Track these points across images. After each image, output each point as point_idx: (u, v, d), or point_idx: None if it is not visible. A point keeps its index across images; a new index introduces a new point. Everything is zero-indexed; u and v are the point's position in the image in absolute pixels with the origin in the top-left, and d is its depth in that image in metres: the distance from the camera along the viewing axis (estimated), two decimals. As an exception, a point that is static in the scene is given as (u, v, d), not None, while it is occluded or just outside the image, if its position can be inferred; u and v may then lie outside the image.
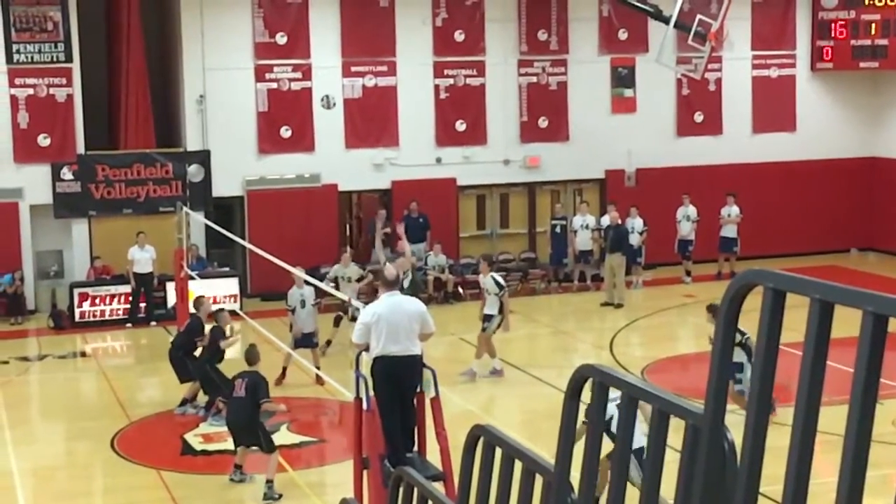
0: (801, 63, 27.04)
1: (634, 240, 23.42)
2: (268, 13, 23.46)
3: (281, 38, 23.54)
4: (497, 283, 16.97)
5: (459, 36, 24.65)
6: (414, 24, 24.28)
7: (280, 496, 11.89)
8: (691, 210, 24.49)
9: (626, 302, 22.24)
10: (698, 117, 26.46)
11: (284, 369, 16.63)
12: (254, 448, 12.17)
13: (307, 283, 16.29)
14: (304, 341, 16.69)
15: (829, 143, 26.99)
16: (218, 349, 15.08)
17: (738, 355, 13.28)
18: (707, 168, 26.02)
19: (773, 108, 26.77)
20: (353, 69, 24.04)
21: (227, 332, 15.17)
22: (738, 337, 13.21)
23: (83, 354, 19.99)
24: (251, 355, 12.62)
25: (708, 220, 24.47)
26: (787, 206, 26.44)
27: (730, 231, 24.61)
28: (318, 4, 23.66)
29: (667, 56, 23.49)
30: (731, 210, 24.68)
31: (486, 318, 16.94)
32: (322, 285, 15.37)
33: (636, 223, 23.70)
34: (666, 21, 22.64)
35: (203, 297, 16.75)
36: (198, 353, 15.54)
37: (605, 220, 23.58)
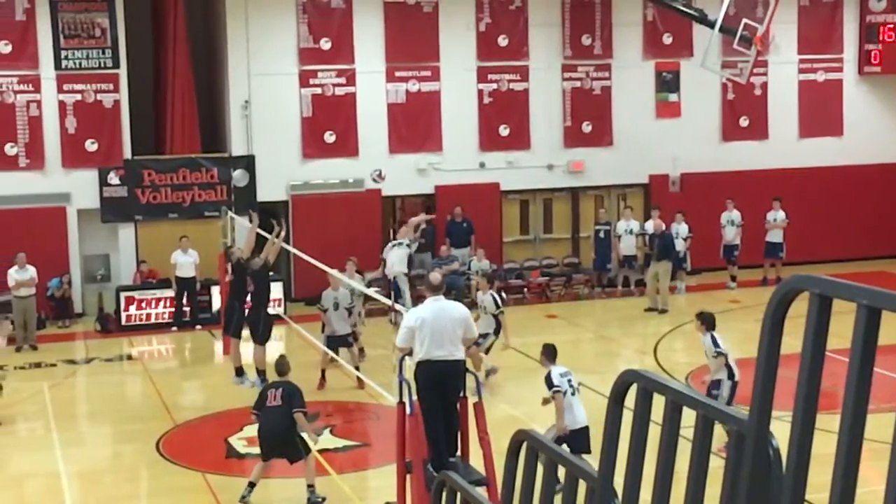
0: (848, 67, 26.79)
1: (679, 245, 23.30)
2: (312, 19, 23.58)
3: (325, 44, 23.65)
4: (496, 301, 16.71)
5: (503, 41, 24.65)
6: (458, 29, 24.32)
7: (324, 499, 11.89)
8: (735, 215, 24.31)
9: (670, 307, 22.12)
10: (744, 122, 26.29)
11: (323, 372, 16.71)
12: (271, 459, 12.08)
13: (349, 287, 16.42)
14: (339, 341, 16.76)
15: (877, 148, 26.71)
16: (266, 290, 15.79)
17: (721, 372, 13.12)
18: (753, 173, 25.84)
19: (820, 112, 26.53)
20: (397, 74, 24.10)
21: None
22: (725, 349, 13.08)
23: (129, 358, 20.17)
24: (282, 366, 12.61)
25: (753, 225, 24.28)
26: (833, 211, 26.20)
27: (775, 236, 24.41)
28: (361, 10, 23.75)
29: (712, 60, 23.36)
30: (777, 215, 24.48)
31: (480, 336, 16.43)
32: (363, 287, 15.40)
33: (681, 229, 23.58)
34: (711, 25, 22.52)
35: (231, 247, 17.50)
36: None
37: (649, 226, 23.48)
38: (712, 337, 13.18)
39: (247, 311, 16.12)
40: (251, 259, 16.01)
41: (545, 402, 12.10)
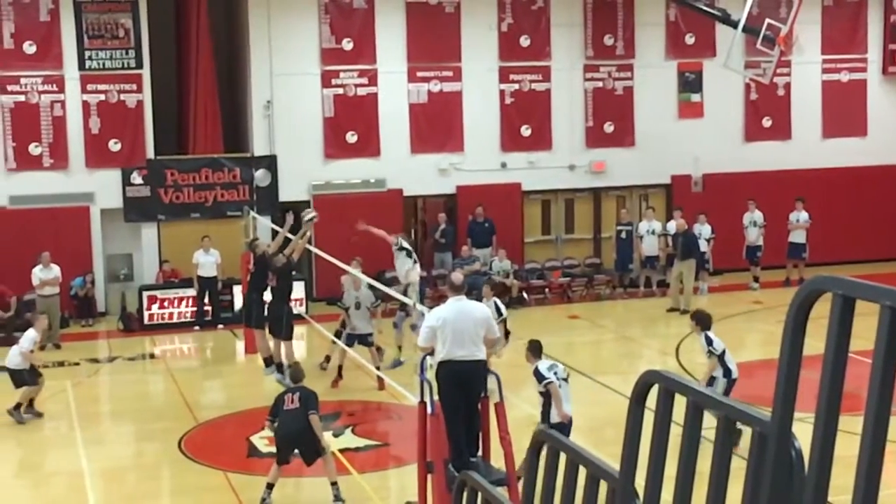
0: (872, 67, 26.66)
1: (703, 246, 23.23)
2: (334, 19, 23.62)
3: (347, 44, 23.69)
4: (498, 309, 16.61)
5: (525, 41, 24.63)
6: (479, 29, 24.32)
7: (343, 502, 11.89)
8: (758, 215, 24.22)
9: (693, 308, 22.03)
10: (767, 122, 26.19)
11: (340, 369, 16.73)
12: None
13: (371, 286, 16.40)
14: (360, 339, 16.78)
15: (901, 149, 26.57)
16: (289, 286, 15.87)
17: (716, 371, 13.11)
18: (776, 173, 25.74)
19: (844, 112, 26.40)
20: (419, 74, 24.12)
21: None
22: (718, 349, 13.03)
23: (152, 356, 20.26)
24: (297, 373, 12.67)
25: (776, 225, 24.19)
26: (857, 212, 26.07)
27: (798, 237, 24.30)
28: (383, 10, 23.78)
29: (735, 60, 23.27)
30: (800, 216, 24.37)
31: None
32: (386, 289, 15.39)
33: (704, 230, 23.51)
34: (734, 25, 22.43)
35: (255, 238, 17.72)
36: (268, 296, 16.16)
37: (671, 226, 23.43)
38: (706, 336, 13.17)
39: (267, 305, 16.14)
40: (275, 255, 16.06)
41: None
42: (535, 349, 12.14)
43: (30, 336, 15.67)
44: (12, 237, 21.79)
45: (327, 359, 17.48)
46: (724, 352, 13.19)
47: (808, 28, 25.13)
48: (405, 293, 16.44)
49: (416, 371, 10.56)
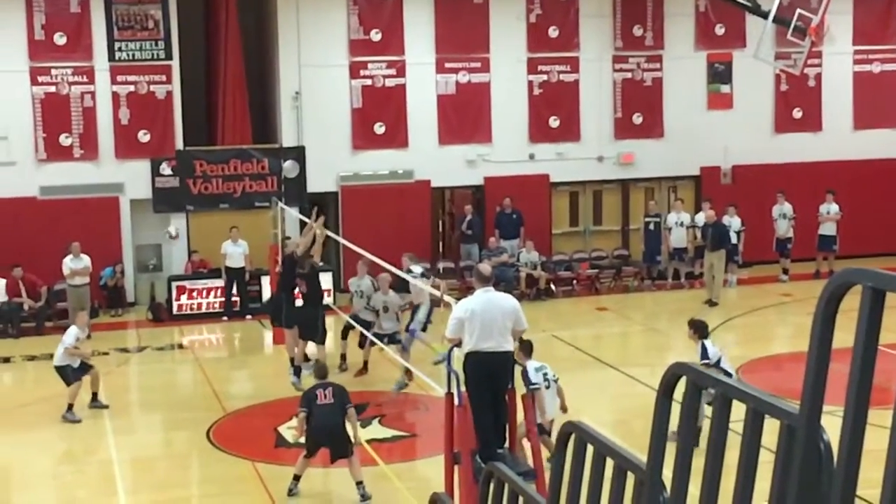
0: (904, 58, 26.44)
1: (732, 239, 23.10)
2: (362, 10, 23.63)
3: (375, 35, 23.70)
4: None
5: (553, 32, 24.56)
6: (508, 20, 24.26)
7: (370, 499, 11.90)
8: (787, 208, 24.08)
9: (722, 300, 21.97)
10: (797, 113, 26.02)
11: (366, 363, 16.76)
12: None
13: (391, 284, 16.35)
14: (391, 339, 16.71)
15: (933, 140, 26.34)
16: (318, 289, 15.95)
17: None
18: (806, 165, 25.59)
19: (875, 103, 26.19)
20: (447, 65, 24.10)
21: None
22: (713, 358, 12.85)
23: (180, 346, 20.38)
24: (322, 369, 12.66)
25: (807, 217, 24.06)
26: (888, 204, 25.87)
27: (829, 229, 24.16)
28: (412, 1, 23.77)
29: (765, 51, 23.12)
30: (831, 207, 24.22)
31: None
32: (415, 280, 15.38)
33: (734, 222, 23.40)
34: (764, 16, 22.29)
35: (288, 237, 17.82)
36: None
37: (700, 218, 23.33)
38: (703, 346, 12.99)
39: (300, 310, 16.07)
40: (303, 259, 16.01)
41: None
42: (526, 349, 12.03)
43: (71, 332, 15.65)
44: (43, 227, 21.94)
45: (343, 358, 17.37)
46: (719, 360, 13.00)
47: (840, 18, 24.93)
48: (414, 312, 16.30)
49: (443, 362, 10.57)
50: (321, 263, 16.44)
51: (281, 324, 16.86)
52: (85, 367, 15.60)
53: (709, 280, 22.32)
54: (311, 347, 16.59)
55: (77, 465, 14.04)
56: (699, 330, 13.13)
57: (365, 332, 16.42)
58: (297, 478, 11.96)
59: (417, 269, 16.91)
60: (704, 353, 12.93)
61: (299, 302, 16.41)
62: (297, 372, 15.84)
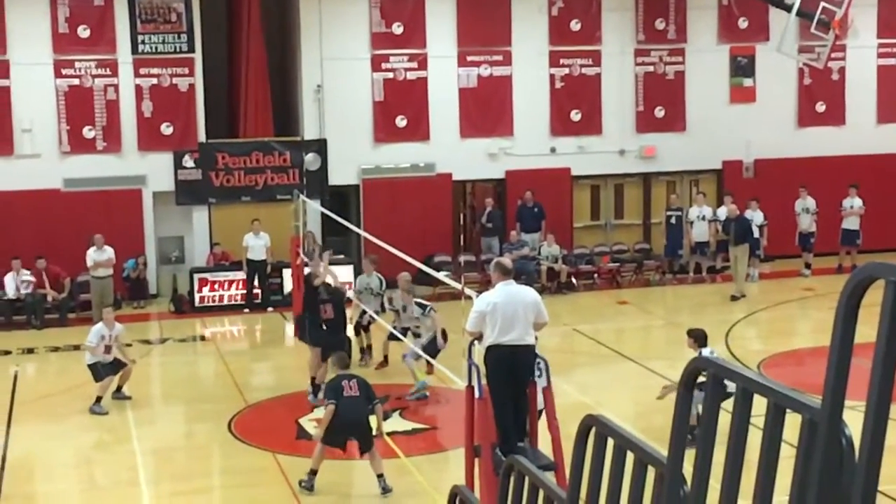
0: (929, 52, 26.26)
1: (754, 233, 23.01)
2: (384, 3, 23.63)
3: (397, 28, 23.70)
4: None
5: (575, 25, 24.51)
6: (530, 13, 24.23)
7: (391, 491, 11.91)
8: (810, 202, 23.98)
9: (747, 293, 21.91)
10: (820, 107, 25.89)
11: (386, 358, 16.77)
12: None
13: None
14: (415, 334, 16.68)
15: (958, 134, 26.15)
16: (342, 315, 15.68)
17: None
18: (829, 159, 25.46)
19: (899, 97, 26.04)
20: (469, 59, 24.09)
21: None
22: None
23: (202, 338, 20.46)
24: (343, 360, 12.63)
25: (830, 212, 23.94)
26: (912, 199, 25.71)
27: (852, 223, 24.04)
28: (434, -6, 23.77)
29: (788, 45, 23.02)
30: (854, 202, 24.10)
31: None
32: (440, 276, 15.29)
33: (756, 216, 23.30)
34: (788, 9, 22.19)
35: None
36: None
37: (722, 212, 23.26)
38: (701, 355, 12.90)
39: (326, 333, 15.79)
40: (324, 286, 15.84)
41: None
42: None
43: (94, 330, 15.67)
44: (66, 219, 22.06)
45: (363, 351, 17.31)
46: None
47: (864, 11, 24.78)
48: (418, 336, 15.92)
49: (464, 355, 10.57)
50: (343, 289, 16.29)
51: (304, 341, 16.58)
52: (118, 365, 15.62)
53: (735, 274, 22.24)
54: None
55: (99, 455, 14.13)
56: (698, 339, 13.11)
57: (374, 317, 16.44)
58: (314, 472, 11.91)
59: (419, 305, 16.14)
60: None
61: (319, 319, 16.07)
62: (317, 391, 15.69)
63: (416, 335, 16.33)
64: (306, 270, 16.82)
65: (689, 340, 13.17)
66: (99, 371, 15.38)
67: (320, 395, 14.37)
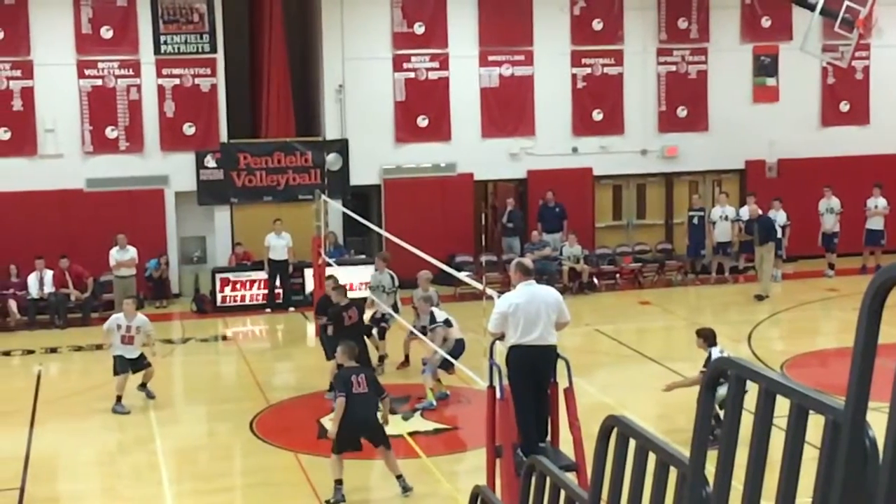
0: (954, 50, 26.08)
1: (777, 233, 22.92)
2: (406, 3, 23.65)
3: (419, 28, 23.72)
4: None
5: (598, 25, 24.46)
6: (552, 12, 24.20)
7: (411, 490, 11.88)
8: (834, 202, 23.85)
9: (772, 293, 21.82)
10: (844, 107, 25.76)
11: (407, 357, 16.77)
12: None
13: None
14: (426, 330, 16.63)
15: (984, 134, 25.96)
16: (361, 329, 15.45)
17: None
18: (853, 159, 25.32)
19: (924, 97, 25.87)
20: (491, 59, 24.08)
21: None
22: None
23: (224, 338, 20.52)
24: (352, 350, 12.53)
25: (854, 211, 23.81)
26: (937, 199, 25.54)
27: (876, 223, 23.90)
28: (455, -6, 23.76)
29: (812, 44, 22.90)
30: (878, 201, 23.96)
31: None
32: (462, 276, 15.26)
33: (779, 216, 23.19)
34: (811, 8, 22.08)
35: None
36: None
37: (745, 212, 23.16)
38: (710, 355, 12.81)
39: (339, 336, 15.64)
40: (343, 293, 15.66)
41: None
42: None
43: (110, 319, 15.83)
44: (89, 219, 22.17)
45: (380, 360, 17.19)
46: None
47: (889, 10, 24.62)
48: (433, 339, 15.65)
49: (485, 355, 10.56)
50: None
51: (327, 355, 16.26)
52: (141, 363, 15.66)
53: (760, 273, 22.15)
54: None
55: (121, 454, 14.18)
56: (707, 338, 13.08)
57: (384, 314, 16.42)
58: (339, 482, 11.62)
59: (441, 315, 15.73)
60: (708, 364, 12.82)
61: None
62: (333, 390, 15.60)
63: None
64: (328, 288, 16.14)
65: (699, 340, 13.15)
66: (117, 364, 15.42)
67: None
